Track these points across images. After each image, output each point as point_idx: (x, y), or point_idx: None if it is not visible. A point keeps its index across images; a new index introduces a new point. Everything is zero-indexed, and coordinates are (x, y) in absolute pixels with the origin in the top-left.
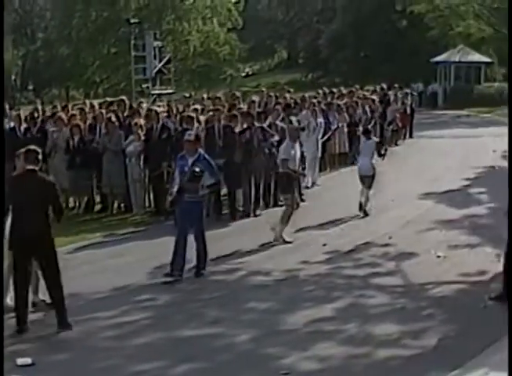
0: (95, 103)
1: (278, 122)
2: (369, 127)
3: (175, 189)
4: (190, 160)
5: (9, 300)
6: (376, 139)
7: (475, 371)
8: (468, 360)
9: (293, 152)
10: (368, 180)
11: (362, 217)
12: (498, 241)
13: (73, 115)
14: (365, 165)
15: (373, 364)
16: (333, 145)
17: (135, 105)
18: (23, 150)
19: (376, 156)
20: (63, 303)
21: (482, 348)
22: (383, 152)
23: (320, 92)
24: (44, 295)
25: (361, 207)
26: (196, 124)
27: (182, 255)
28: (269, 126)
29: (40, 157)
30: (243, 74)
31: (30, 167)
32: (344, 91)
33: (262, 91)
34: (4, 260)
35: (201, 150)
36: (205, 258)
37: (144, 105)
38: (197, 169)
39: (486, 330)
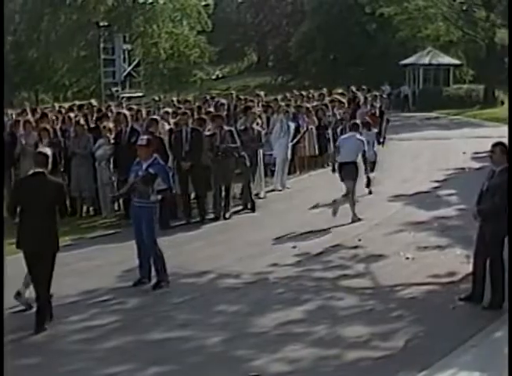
0: (66, 106)
1: (255, 125)
2: (339, 130)
3: (124, 189)
4: (145, 165)
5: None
6: (376, 130)
7: (444, 372)
8: (437, 361)
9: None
10: (371, 165)
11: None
12: (467, 242)
13: (42, 117)
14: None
15: (342, 366)
16: (303, 148)
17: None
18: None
19: (376, 144)
20: (48, 305)
21: (451, 348)
22: (381, 140)
23: (288, 95)
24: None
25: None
26: (164, 127)
27: (145, 260)
28: (245, 129)
29: (49, 160)
30: (213, 77)
31: (39, 169)
32: (315, 94)
33: (231, 93)
34: None
35: (156, 155)
36: (162, 268)
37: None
38: (151, 170)
39: (455, 331)
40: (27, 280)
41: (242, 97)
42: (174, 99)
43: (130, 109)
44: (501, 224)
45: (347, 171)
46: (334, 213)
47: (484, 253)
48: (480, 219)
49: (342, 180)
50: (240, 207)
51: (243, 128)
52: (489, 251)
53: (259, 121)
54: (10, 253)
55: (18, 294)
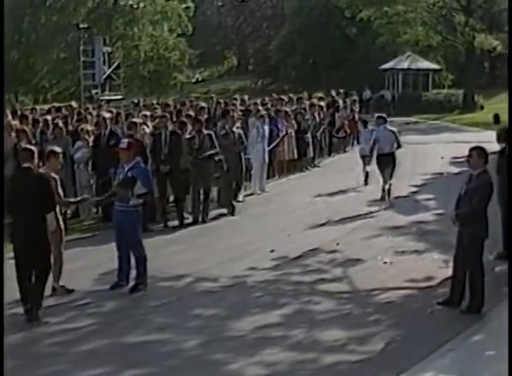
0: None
1: (235, 129)
2: (318, 134)
3: (107, 194)
4: (126, 168)
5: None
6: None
7: (420, 375)
8: (414, 365)
9: None
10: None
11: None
12: (445, 247)
13: (22, 117)
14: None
15: (319, 370)
16: (282, 152)
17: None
18: None
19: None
20: (42, 296)
21: (428, 352)
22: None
23: (267, 99)
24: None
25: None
26: (144, 130)
27: (125, 263)
28: (226, 134)
29: (35, 154)
30: (193, 81)
31: (26, 164)
32: (294, 98)
33: (212, 97)
34: None
35: (138, 158)
36: (143, 273)
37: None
38: (130, 174)
39: (432, 335)
40: (54, 272)
41: (221, 101)
42: (154, 102)
43: (110, 111)
44: (480, 227)
45: (386, 161)
46: (383, 199)
47: (463, 257)
48: (458, 224)
49: (381, 170)
50: (219, 211)
51: (223, 132)
52: (468, 255)
53: (238, 124)
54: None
55: (54, 290)
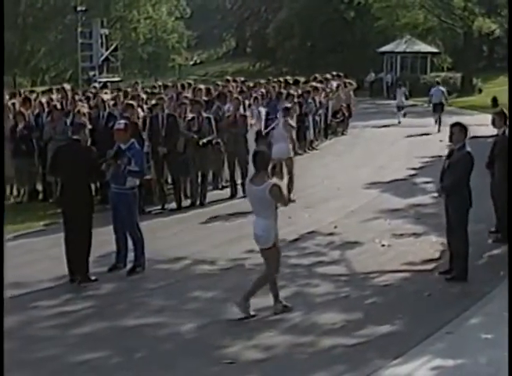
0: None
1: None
2: (317, 117)
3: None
4: (122, 149)
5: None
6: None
7: (418, 359)
8: (411, 348)
9: None
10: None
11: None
12: (443, 230)
13: (25, 100)
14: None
15: (317, 353)
16: None
17: (81, 92)
18: None
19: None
20: (86, 261)
21: (426, 335)
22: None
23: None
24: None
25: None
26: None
27: (122, 246)
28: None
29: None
30: (191, 63)
31: (75, 137)
32: (302, 80)
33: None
34: None
35: (133, 140)
36: (140, 255)
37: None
38: (128, 154)
39: (430, 319)
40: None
41: (220, 83)
42: (159, 83)
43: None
44: (463, 198)
45: (439, 108)
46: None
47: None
48: (444, 196)
49: (435, 111)
50: (217, 193)
51: (227, 115)
52: (452, 224)
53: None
54: None
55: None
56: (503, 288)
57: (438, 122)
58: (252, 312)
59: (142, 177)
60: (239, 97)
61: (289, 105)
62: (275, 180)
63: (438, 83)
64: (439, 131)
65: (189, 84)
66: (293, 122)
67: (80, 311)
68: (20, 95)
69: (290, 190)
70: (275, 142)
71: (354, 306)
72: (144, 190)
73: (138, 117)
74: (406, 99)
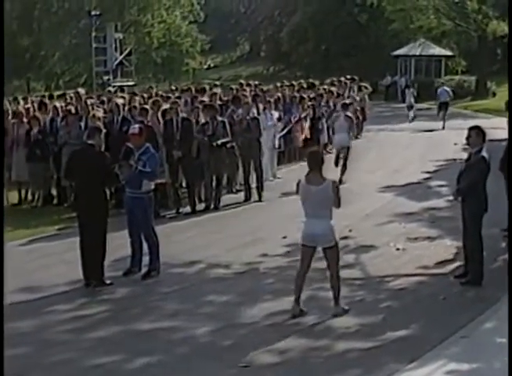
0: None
1: (252, 114)
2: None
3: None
4: (137, 154)
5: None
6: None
7: (433, 363)
8: (426, 352)
9: None
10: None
11: None
12: (457, 233)
13: (41, 105)
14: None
15: (331, 356)
16: (295, 138)
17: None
18: None
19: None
20: (101, 265)
21: (441, 339)
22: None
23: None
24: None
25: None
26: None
27: (137, 250)
28: (241, 120)
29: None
30: (205, 67)
31: (90, 141)
32: (305, 84)
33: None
34: None
35: (148, 144)
36: (155, 259)
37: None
38: (143, 158)
39: (445, 323)
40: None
41: (233, 87)
42: (173, 87)
43: (123, 97)
44: (478, 201)
45: (444, 106)
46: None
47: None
48: (460, 199)
49: (441, 109)
50: (231, 197)
51: (239, 119)
52: (467, 228)
53: (254, 110)
54: None
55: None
56: None
57: (443, 119)
58: (346, 307)
59: (153, 179)
60: (250, 101)
61: (347, 101)
62: (332, 178)
63: (442, 83)
64: (443, 128)
65: (204, 90)
66: (352, 115)
67: (95, 315)
68: (28, 101)
69: (341, 179)
70: (336, 133)
71: (369, 310)
72: (159, 194)
73: (159, 122)
74: (415, 99)
